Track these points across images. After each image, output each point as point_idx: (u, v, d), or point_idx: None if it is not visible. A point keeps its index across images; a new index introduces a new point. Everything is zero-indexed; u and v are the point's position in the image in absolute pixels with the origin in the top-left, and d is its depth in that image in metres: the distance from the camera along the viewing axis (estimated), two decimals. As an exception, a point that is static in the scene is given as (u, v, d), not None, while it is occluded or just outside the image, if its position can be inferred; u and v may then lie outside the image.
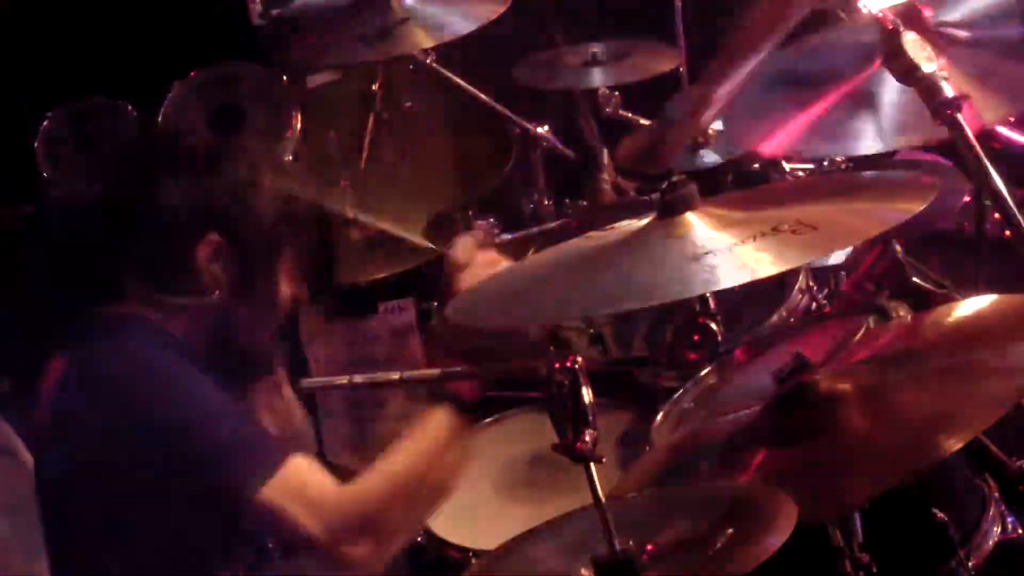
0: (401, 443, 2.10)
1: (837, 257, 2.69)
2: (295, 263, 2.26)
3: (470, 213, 3.60)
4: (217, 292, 2.15)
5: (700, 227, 1.78)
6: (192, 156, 2.21)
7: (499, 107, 3.69)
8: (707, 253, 1.70)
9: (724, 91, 2.41)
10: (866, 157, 3.09)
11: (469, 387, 2.07)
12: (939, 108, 1.89)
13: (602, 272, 1.81)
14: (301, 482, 2.03)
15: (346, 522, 2.01)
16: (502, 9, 3.38)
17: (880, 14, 1.95)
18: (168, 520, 2.06)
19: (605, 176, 3.51)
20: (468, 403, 2.08)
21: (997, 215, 1.96)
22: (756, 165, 3.26)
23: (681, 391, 2.50)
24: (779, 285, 2.73)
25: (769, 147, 2.25)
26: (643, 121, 3.73)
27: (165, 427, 2.03)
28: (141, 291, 2.17)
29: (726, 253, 1.69)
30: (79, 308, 2.21)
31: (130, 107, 3.77)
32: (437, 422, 2.08)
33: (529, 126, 3.69)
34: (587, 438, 1.70)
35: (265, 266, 2.21)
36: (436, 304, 2.55)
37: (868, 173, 2.26)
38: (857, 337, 2.03)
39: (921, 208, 1.77)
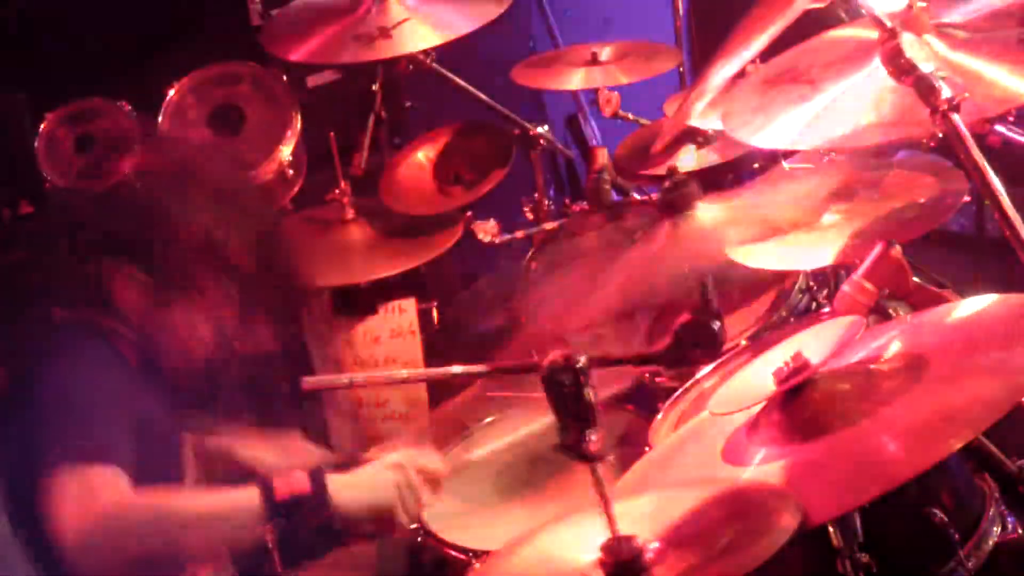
0: (202, 492, 2.22)
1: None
2: (224, 294, 2.29)
3: (470, 213, 3.60)
4: (133, 318, 2.22)
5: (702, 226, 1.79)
6: (105, 187, 2.30)
7: (499, 107, 3.69)
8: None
9: (718, 84, 2.42)
10: (866, 158, 3.10)
11: (289, 487, 2.14)
12: (937, 108, 1.89)
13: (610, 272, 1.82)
14: (90, 484, 2.05)
15: (100, 528, 2.03)
16: (502, 9, 3.38)
17: (879, 15, 1.96)
18: None
19: (605, 176, 3.51)
20: (278, 501, 2.14)
21: (997, 215, 1.96)
22: (756, 165, 3.26)
23: (681, 391, 2.50)
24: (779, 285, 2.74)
25: (767, 142, 2.25)
26: (643, 121, 3.74)
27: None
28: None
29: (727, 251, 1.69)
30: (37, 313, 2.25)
31: (130, 107, 3.77)
32: (240, 497, 2.15)
33: (529, 126, 3.69)
34: (592, 437, 1.70)
35: (184, 295, 2.26)
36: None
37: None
38: (857, 337, 2.03)
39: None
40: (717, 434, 2.07)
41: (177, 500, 2.18)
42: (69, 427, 2.10)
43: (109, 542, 2.04)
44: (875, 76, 2.06)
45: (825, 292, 2.78)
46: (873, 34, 2.03)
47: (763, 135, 2.25)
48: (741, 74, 2.46)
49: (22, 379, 2.20)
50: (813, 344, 1.97)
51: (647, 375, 2.68)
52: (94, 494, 2.04)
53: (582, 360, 1.79)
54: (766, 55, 2.44)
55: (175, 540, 2.12)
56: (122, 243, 2.22)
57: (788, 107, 2.18)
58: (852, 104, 2.09)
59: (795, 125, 2.16)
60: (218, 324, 2.32)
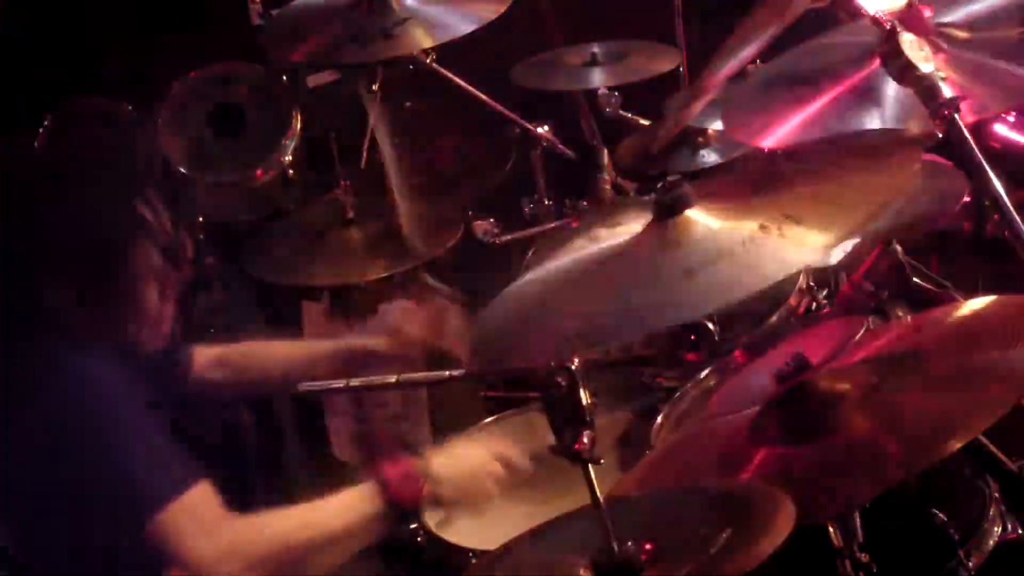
0: (320, 505, 2.15)
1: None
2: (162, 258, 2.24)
3: (470, 213, 3.60)
4: (88, 332, 2.16)
5: (696, 231, 1.79)
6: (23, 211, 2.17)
7: (499, 107, 3.69)
8: (702, 267, 1.68)
9: (716, 83, 2.42)
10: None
11: (411, 492, 2.12)
12: (937, 108, 1.89)
13: (602, 298, 1.79)
14: (198, 509, 2.06)
15: (232, 556, 2.05)
16: (502, 9, 3.38)
17: (878, 14, 1.95)
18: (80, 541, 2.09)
19: (605, 176, 3.51)
20: (402, 504, 2.13)
21: (997, 215, 1.96)
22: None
23: (681, 391, 2.50)
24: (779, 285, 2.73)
25: (767, 142, 2.25)
26: (643, 121, 3.74)
27: (76, 450, 2.05)
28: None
29: (721, 262, 1.68)
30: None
31: (130, 107, 3.77)
32: (360, 504, 2.14)
33: (529, 126, 3.69)
34: (585, 439, 1.70)
35: (129, 291, 2.20)
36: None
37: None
38: (857, 337, 2.03)
39: (913, 180, 1.75)
40: (717, 434, 2.07)
41: (299, 521, 2.15)
42: (128, 467, 2.07)
43: (249, 562, 2.06)
44: (875, 75, 2.06)
45: (825, 292, 2.78)
46: (873, 35, 2.04)
47: (763, 136, 2.25)
48: (741, 74, 2.46)
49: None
50: (813, 344, 1.97)
51: (647, 375, 2.68)
52: (207, 525, 2.06)
53: (577, 361, 1.79)
54: (766, 55, 2.44)
55: (303, 559, 2.12)
56: (50, 266, 2.15)
57: (788, 108, 2.18)
58: (851, 102, 2.10)
59: (795, 125, 2.16)
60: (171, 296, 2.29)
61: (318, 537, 2.12)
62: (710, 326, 1.87)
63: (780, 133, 2.20)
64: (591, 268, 1.85)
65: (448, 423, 3.08)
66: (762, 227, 1.68)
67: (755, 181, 2.00)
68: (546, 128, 3.71)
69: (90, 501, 2.06)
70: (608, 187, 3.48)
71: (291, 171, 3.79)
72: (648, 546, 1.74)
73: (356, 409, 3.47)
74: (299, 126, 3.75)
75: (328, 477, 3.39)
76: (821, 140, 2.09)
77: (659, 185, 1.84)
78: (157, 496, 2.03)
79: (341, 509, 2.14)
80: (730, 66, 2.35)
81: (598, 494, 1.69)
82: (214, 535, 2.04)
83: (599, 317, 1.71)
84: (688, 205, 1.79)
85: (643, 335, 2.79)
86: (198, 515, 2.05)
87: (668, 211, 1.80)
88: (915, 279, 2.44)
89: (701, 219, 1.81)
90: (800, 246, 1.65)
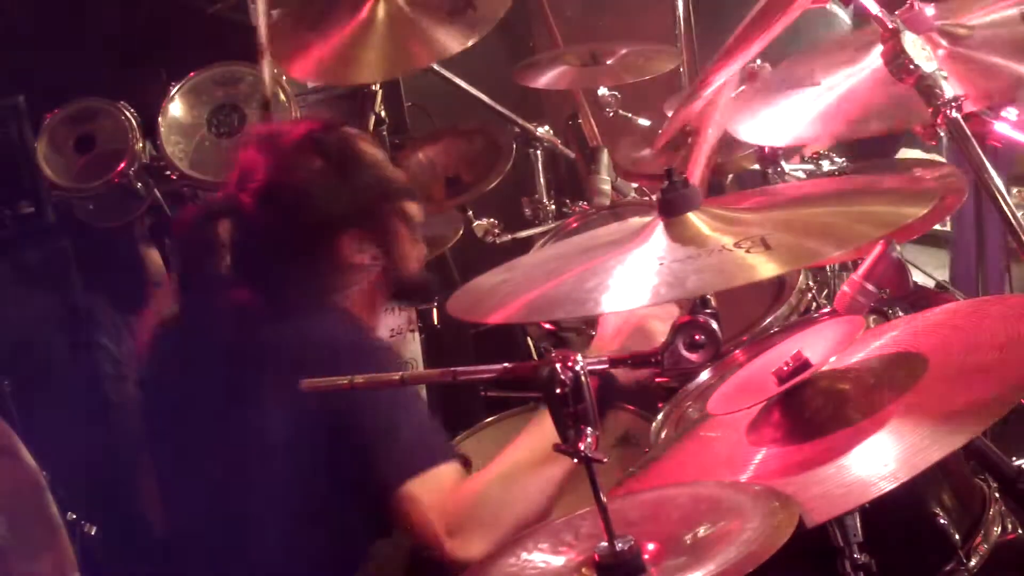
0: (518, 444, 2.21)
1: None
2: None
3: (470, 213, 3.61)
4: (368, 276, 2.33)
5: (689, 231, 1.84)
6: (335, 158, 2.35)
7: (499, 107, 3.69)
8: (671, 261, 1.76)
9: (715, 83, 2.42)
10: (867, 160, 3.10)
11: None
12: (939, 108, 1.89)
13: (566, 278, 1.88)
14: (442, 486, 2.15)
15: (466, 525, 2.14)
16: (503, 9, 3.39)
17: (880, 14, 1.96)
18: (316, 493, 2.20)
19: (605, 176, 3.51)
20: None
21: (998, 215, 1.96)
22: (756, 165, 3.26)
23: (681, 391, 2.50)
24: (779, 285, 2.74)
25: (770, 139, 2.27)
26: (643, 121, 3.74)
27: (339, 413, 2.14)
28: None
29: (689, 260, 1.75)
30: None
31: (130, 107, 3.77)
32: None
33: (529, 126, 3.69)
34: (589, 438, 1.70)
35: (399, 230, 2.39)
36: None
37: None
38: (857, 337, 2.03)
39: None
40: (717, 434, 2.07)
41: (511, 459, 2.21)
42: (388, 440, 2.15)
43: (483, 525, 2.13)
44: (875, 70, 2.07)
45: (825, 292, 2.78)
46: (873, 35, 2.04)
47: (766, 133, 2.26)
48: (741, 73, 2.46)
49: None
50: (813, 344, 1.97)
51: (647, 375, 2.67)
52: (448, 492, 2.15)
53: (581, 360, 1.79)
54: (765, 55, 2.44)
55: (531, 496, 2.17)
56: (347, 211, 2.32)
57: (791, 105, 2.19)
58: (853, 98, 2.10)
59: (798, 121, 2.17)
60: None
61: (533, 479, 2.17)
62: (715, 325, 1.87)
63: (783, 129, 2.21)
64: (577, 253, 1.98)
65: (448, 423, 3.08)
66: (737, 243, 1.77)
67: (766, 199, 2.03)
68: (546, 128, 3.71)
69: (353, 454, 2.15)
70: (608, 187, 3.49)
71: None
72: (649, 546, 1.73)
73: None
74: (299, 126, 3.75)
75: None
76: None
77: (667, 183, 1.87)
78: (407, 468, 2.13)
79: (540, 439, 2.17)
80: (732, 66, 2.35)
81: (601, 493, 1.68)
82: (448, 513, 2.13)
83: (551, 294, 1.87)
84: (693, 206, 1.83)
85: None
86: (438, 492, 2.14)
87: (672, 209, 1.83)
88: (915, 279, 2.44)
89: (698, 221, 1.87)
90: (750, 269, 1.73)
